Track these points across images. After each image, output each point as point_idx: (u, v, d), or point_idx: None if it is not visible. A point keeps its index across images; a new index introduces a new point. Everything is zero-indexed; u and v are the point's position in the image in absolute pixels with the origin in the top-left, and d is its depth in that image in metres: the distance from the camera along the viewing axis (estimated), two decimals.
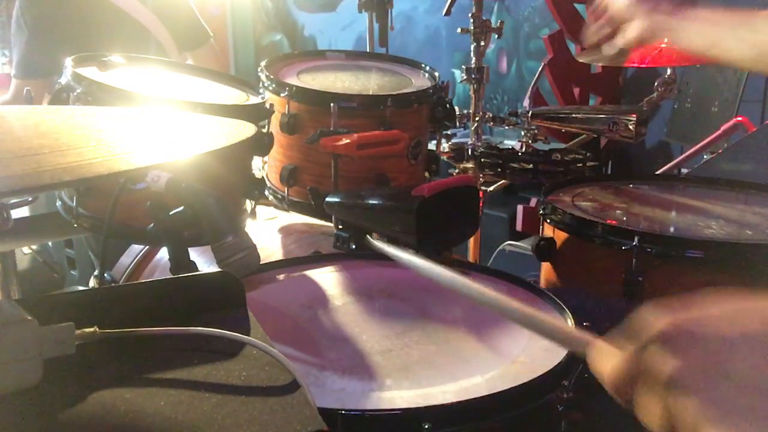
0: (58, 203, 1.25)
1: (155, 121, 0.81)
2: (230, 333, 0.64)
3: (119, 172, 0.52)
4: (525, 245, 2.19)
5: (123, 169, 0.52)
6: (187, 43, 2.33)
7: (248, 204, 1.31)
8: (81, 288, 2.91)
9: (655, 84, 1.79)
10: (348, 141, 1.32)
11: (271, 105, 1.32)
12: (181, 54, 2.32)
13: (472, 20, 1.78)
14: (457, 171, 1.79)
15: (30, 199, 1.26)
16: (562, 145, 1.98)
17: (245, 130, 0.67)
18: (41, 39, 2.13)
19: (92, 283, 1.26)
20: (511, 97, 4.09)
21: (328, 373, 0.80)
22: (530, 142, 1.75)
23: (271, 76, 1.49)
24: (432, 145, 1.63)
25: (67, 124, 0.71)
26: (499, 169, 1.71)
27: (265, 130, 1.28)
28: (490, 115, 1.86)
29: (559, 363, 0.80)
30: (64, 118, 0.75)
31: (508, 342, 0.89)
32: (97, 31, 2.11)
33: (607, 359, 0.55)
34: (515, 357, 0.84)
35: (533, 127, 1.74)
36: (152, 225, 1.00)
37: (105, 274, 1.42)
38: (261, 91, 1.46)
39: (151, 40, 2.21)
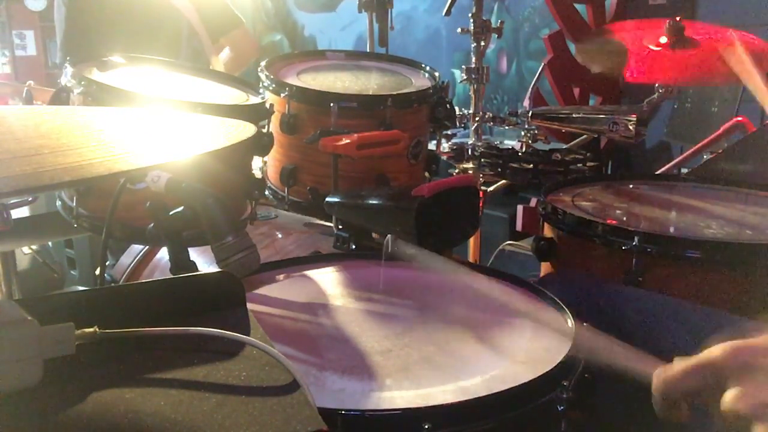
0: (58, 203, 1.25)
1: (155, 121, 0.81)
2: (230, 333, 0.64)
3: (119, 172, 0.52)
4: (525, 245, 2.19)
5: (123, 169, 0.52)
6: (218, 30, 2.36)
7: (248, 204, 1.31)
8: (81, 288, 2.91)
9: (656, 84, 1.79)
10: (348, 141, 1.32)
11: (271, 105, 1.32)
12: (215, 42, 2.35)
13: (472, 20, 1.78)
14: (457, 171, 1.79)
15: (30, 199, 1.26)
16: (562, 145, 1.98)
17: (245, 130, 0.67)
18: (77, 18, 2.18)
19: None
20: (511, 97, 4.09)
21: (328, 373, 0.80)
22: (530, 142, 1.75)
23: (271, 76, 1.49)
24: (432, 145, 1.63)
25: (67, 124, 0.71)
26: (499, 169, 1.71)
27: (265, 130, 1.28)
28: (490, 115, 1.86)
29: (559, 363, 0.80)
30: (64, 118, 0.75)
31: (508, 342, 0.89)
32: (131, 11, 2.15)
33: (668, 369, 0.61)
34: (515, 357, 0.84)
35: (533, 127, 1.74)
36: (152, 225, 1.00)
37: (105, 274, 1.43)
38: (261, 91, 1.46)
39: (183, 25, 2.24)
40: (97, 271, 1.14)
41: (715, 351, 0.59)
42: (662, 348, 1.01)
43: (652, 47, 1.70)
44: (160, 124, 0.79)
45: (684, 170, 2.24)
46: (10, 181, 0.46)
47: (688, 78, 1.91)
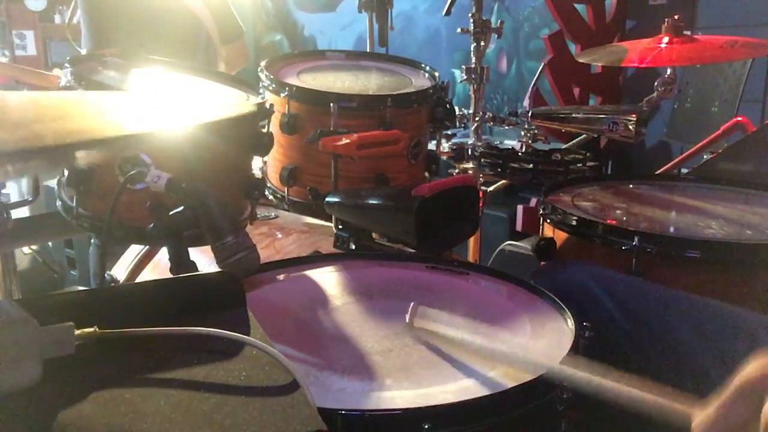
0: (58, 203, 1.25)
1: (155, 96, 0.81)
2: (230, 333, 0.64)
3: (122, 136, 0.51)
4: (525, 245, 2.19)
5: (125, 134, 0.51)
6: (226, 37, 2.36)
7: (248, 204, 1.31)
8: (81, 288, 2.91)
9: (655, 84, 1.78)
10: (348, 141, 1.32)
11: (271, 105, 1.31)
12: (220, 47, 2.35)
13: (472, 20, 1.78)
14: (457, 171, 1.79)
15: (30, 198, 1.26)
16: (562, 145, 1.98)
17: (246, 103, 0.67)
18: (97, 15, 2.16)
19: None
20: (511, 97, 4.09)
21: (328, 373, 0.80)
22: (530, 142, 1.74)
23: (271, 76, 1.49)
24: (432, 145, 1.63)
25: (66, 99, 0.70)
26: (499, 169, 1.71)
27: (265, 130, 1.28)
28: (490, 115, 1.85)
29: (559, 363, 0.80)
30: (64, 95, 0.74)
31: (508, 342, 0.89)
32: (153, 15, 2.14)
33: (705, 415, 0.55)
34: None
35: (533, 127, 1.74)
36: (152, 225, 1.00)
37: (105, 274, 1.42)
38: (261, 91, 1.46)
39: (202, 32, 2.24)
40: (94, 267, 1.14)
41: (749, 373, 0.53)
42: (666, 343, 1.01)
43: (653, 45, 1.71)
44: (159, 102, 0.79)
45: (684, 170, 2.24)
46: (12, 144, 0.46)
47: (688, 62, 1.91)
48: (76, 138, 0.47)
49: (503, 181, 1.97)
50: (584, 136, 2.01)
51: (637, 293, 1.10)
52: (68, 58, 1.25)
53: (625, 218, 1.39)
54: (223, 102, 1.28)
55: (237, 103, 1.29)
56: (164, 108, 0.75)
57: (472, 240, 2.10)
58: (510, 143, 1.82)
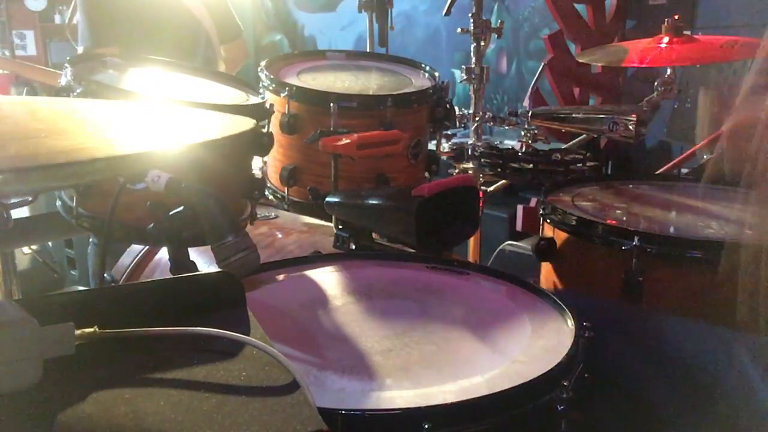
0: (58, 203, 1.25)
1: (154, 113, 0.81)
2: (230, 333, 0.64)
3: (118, 156, 0.51)
4: (525, 245, 2.19)
5: (122, 153, 0.51)
6: (224, 36, 2.36)
7: (248, 204, 1.31)
8: (81, 288, 2.92)
9: (655, 84, 1.79)
10: (348, 141, 1.32)
11: (271, 105, 1.32)
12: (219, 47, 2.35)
13: (472, 20, 1.78)
14: (457, 171, 1.79)
15: (30, 198, 1.26)
16: (562, 145, 1.98)
17: (243, 123, 0.67)
18: (96, 14, 2.15)
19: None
20: (511, 97, 4.09)
21: (328, 373, 0.80)
22: (530, 142, 1.74)
23: (271, 76, 1.49)
24: (432, 145, 1.63)
25: (63, 111, 0.70)
26: (499, 169, 1.71)
27: (265, 130, 1.28)
28: (490, 115, 1.85)
29: (559, 363, 0.80)
30: (61, 106, 0.75)
31: (508, 342, 0.89)
32: (151, 16, 2.13)
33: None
34: (515, 357, 0.84)
35: (533, 127, 1.74)
36: (152, 225, 1.00)
37: (105, 274, 1.42)
38: (261, 91, 1.46)
39: (201, 32, 2.24)
40: (94, 267, 1.13)
41: None
42: (669, 366, 1.02)
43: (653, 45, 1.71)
44: (159, 116, 0.79)
45: (684, 170, 2.23)
46: (7, 161, 0.46)
47: (688, 62, 1.91)
48: (71, 157, 0.47)
49: (503, 181, 1.97)
50: (584, 136, 2.01)
51: (635, 320, 1.12)
52: (68, 58, 1.25)
53: (625, 218, 1.39)
54: (223, 102, 1.28)
55: (237, 102, 1.29)
56: (163, 120, 0.75)
57: (472, 240, 2.10)
58: (510, 143, 1.82)
